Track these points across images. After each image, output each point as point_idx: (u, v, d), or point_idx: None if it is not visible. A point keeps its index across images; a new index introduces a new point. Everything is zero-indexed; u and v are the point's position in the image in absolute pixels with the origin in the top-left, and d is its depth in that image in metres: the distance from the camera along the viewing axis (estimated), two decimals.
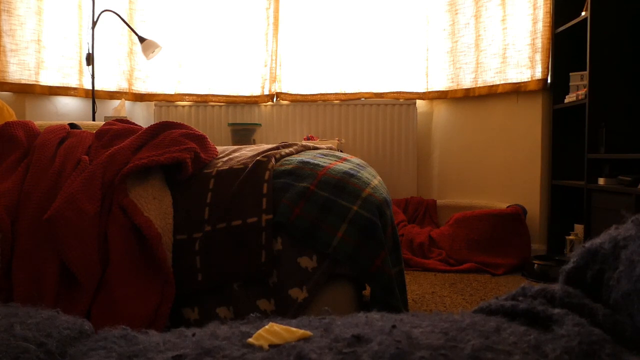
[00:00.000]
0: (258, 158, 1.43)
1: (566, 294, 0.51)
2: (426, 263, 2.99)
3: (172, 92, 3.71)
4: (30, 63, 3.22)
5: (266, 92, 3.73)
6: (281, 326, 0.53)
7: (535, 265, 2.81)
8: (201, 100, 3.73)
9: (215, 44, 3.70)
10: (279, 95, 3.75)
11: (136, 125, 1.66)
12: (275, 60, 3.71)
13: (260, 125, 3.48)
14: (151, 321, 1.22)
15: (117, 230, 1.28)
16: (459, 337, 0.46)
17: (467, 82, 3.54)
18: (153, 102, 3.74)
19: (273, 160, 1.43)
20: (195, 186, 1.41)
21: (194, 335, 0.53)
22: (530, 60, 3.25)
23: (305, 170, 1.40)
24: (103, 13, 3.24)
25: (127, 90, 3.62)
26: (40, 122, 1.96)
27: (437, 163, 3.79)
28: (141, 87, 3.66)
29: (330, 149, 1.83)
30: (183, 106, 3.72)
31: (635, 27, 2.69)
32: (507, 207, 3.22)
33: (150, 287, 1.25)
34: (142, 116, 3.79)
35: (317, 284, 1.28)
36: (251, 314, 0.60)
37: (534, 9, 3.24)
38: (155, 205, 1.33)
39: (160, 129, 1.55)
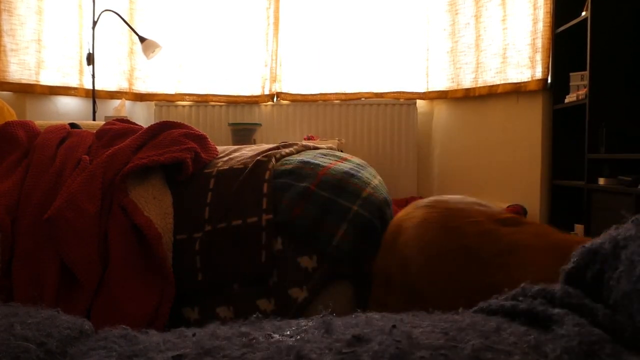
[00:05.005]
0: (258, 158, 1.43)
1: (566, 294, 0.51)
2: None
3: (173, 92, 3.71)
4: (30, 63, 3.22)
5: (266, 92, 3.73)
6: None
7: None
8: (201, 100, 3.73)
9: (215, 44, 3.70)
10: (279, 95, 3.75)
11: (136, 125, 1.66)
12: (276, 60, 3.71)
13: (260, 125, 3.48)
14: (151, 321, 1.22)
15: (117, 230, 1.28)
16: (459, 337, 0.46)
17: (467, 82, 3.54)
18: (153, 102, 3.74)
19: (273, 160, 1.43)
20: (196, 186, 1.41)
21: (194, 335, 0.53)
22: (531, 60, 3.25)
23: (306, 170, 1.40)
24: (103, 13, 3.24)
25: (128, 90, 3.62)
26: (40, 122, 1.96)
27: (437, 163, 3.79)
28: (141, 87, 3.66)
29: (331, 149, 1.83)
30: (183, 106, 3.72)
31: (635, 27, 2.69)
32: (507, 207, 3.22)
33: (151, 287, 1.25)
34: (142, 116, 3.79)
35: (317, 284, 1.28)
36: (252, 316, 0.60)
37: (534, 9, 3.24)
38: (155, 205, 1.34)
39: (161, 128, 1.55)
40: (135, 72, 3.64)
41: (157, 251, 1.26)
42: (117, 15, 3.26)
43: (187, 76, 3.72)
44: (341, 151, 2.04)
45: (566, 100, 3.04)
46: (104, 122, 1.81)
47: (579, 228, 2.96)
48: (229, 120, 3.70)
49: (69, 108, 3.47)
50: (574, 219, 3.08)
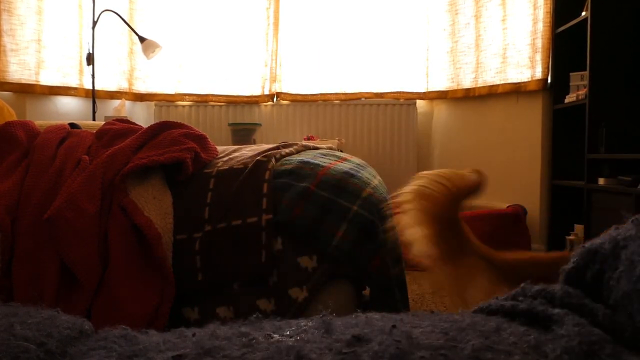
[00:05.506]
0: (258, 158, 1.43)
1: (566, 294, 0.51)
2: None
3: (172, 92, 3.71)
4: (30, 63, 3.22)
5: (266, 92, 3.73)
6: None
7: None
8: (201, 100, 3.73)
9: (215, 44, 3.70)
10: (279, 95, 3.75)
11: (136, 125, 1.66)
12: (276, 60, 3.71)
13: (260, 125, 3.48)
14: (151, 321, 1.22)
15: (117, 230, 1.28)
16: (459, 337, 0.46)
17: (467, 82, 3.54)
18: (153, 102, 3.74)
19: (273, 160, 1.43)
20: (196, 186, 1.41)
21: (194, 335, 0.53)
22: (531, 60, 3.25)
23: (306, 170, 1.40)
24: (103, 13, 3.24)
25: (127, 90, 3.62)
26: (40, 122, 1.96)
27: (437, 163, 3.79)
28: (141, 87, 3.66)
29: (330, 149, 1.83)
30: (183, 106, 3.72)
31: (635, 27, 2.69)
32: (507, 207, 3.22)
33: (150, 287, 1.25)
34: (142, 116, 3.79)
35: (317, 284, 1.28)
36: (252, 316, 0.60)
37: (534, 9, 3.24)
38: (155, 205, 1.34)
39: (160, 128, 1.55)
40: (135, 72, 3.64)
41: (157, 251, 1.26)
42: (117, 15, 3.26)
43: (187, 76, 3.72)
44: (341, 151, 2.04)
45: (566, 100, 3.04)
46: (104, 122, 1.81)
47: (579, 228, 2.96)
48: (229, 120, 3.70)
49: (69, 108, 3.47)
50: (574, 219, 3.08)
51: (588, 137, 2.73)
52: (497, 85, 3.39)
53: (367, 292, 1.63)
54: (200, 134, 1.56)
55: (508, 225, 3.05)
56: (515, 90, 3.32)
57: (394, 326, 0.51)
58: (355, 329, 0.52)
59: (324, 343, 0.48)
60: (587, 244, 0.55)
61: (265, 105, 3.76)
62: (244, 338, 0.52)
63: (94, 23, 3.22)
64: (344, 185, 1.36)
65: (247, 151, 1.57)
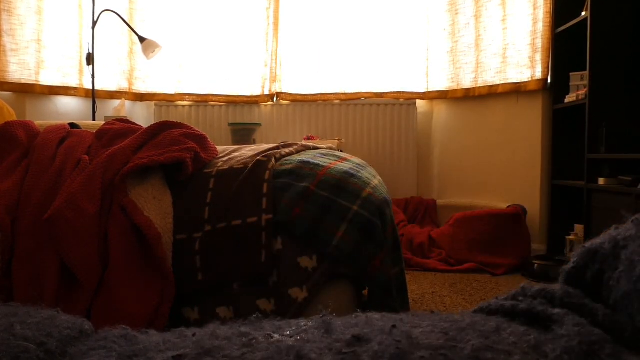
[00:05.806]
0: (258, 158, 1.43)
1: (566, 294, 0.51)
2: (426, 263, 2.99)
3: (172, 92, 3.71)
4: (30, 63, 3.22)
5: (266, 92, 3.73)
6: None
7: (535, 265, 2.81)
8: (201, 100, 3.73)
9: (215, 44, 3.70)
10: (279, 95, 3.75)
11: (136, 125, 1.66)
12: (276, 60, 3.71)
13: (260, 125, 3.48)
14: (151, 321, 1.22)
15: (117, 230, 1.28)
16: (459, 337, 0.46)
17: (467, 82, 3.54)
18: (153, 102, 3.74)
19: (273, 160, 1.43)
20: (196, 186, 1.41)
21: (194, 335, 0.53)
22: (531, 60, 3.25)
23: (306, 170, 1.40)
24: (103, 13, 3.24)
25: (127, 90, 3.62)
26: (40, 122, 1.96)
27: (437, 163, 3.79)
28: (141, 87, 3.66)
29: (330, 148, 1.83)
30: (183, 106, 3.72)
31: (635, 27, 2.69)
32: (507, 207, 3.22)
33: (151, 287, 1.25)
34: (142, 116, 3.79)
35: (317, 284, 1.28)
36: (252, 316, 0.60)
37: (534, 9, 3.24)
38: (155, 205, 1.33)
39: (160, 128, 1.55)
40: (135, 72, 3.64)
41: (157, 251, 1.26)
42: (117, 15, 3.26)
43: (187, 76, 3.72)
44: (341, 151, 2.04)
45: (566, 100, 3.04)
46: (104, 122, 1.81)
47: (579, 228, 2.96)
48: (228, 120, 3.70)
49: (69, 108, 3.47)
50: (574, 219, 3.08)
51: (588, 137, 2.73)
52: (497, 85, 3.39)
53: (367, 292, 1.63)
54: (200, 134, 1.56)
55: (508, 225, 3.05)
56: (515, 90, 3.32)
57: (394, 326, 0.51)
58: (355, 329, 0.52)
59: (324, 343, 0.48)
60: (587, 244, 0.55)
61: (265, 105, 3.76)
62: (244, 338, 0.52)
63: (94, 23, 3.22)
64: (344, 185, 1.36)
65: (247, 151, 1.57)
